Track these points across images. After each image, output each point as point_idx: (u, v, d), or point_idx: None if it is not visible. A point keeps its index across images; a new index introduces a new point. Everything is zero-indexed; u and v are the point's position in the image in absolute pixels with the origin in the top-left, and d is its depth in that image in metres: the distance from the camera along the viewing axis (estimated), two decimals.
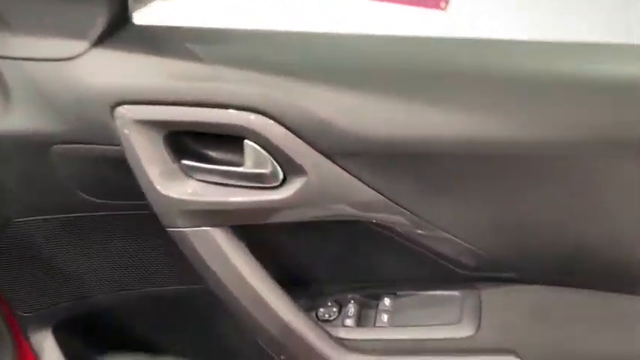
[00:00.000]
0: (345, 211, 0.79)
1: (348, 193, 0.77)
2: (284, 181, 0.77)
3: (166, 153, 0.79)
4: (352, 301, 0.93)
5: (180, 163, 0.80)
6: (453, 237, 0.81)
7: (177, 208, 0.80)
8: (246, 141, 0.75)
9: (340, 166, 0.75)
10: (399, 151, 0.74)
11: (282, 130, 0.73)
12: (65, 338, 1.08)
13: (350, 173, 0.76)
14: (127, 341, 1.21)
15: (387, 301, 0.91)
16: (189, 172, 0.80)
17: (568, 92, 0.73)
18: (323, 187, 0.76)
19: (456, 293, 0.89)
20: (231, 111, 0.74)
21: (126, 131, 0.76)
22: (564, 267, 0.83)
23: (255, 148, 0.75)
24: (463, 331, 0.83)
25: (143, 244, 0.99)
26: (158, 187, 0.79)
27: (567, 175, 0.75)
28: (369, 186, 0.76)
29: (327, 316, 0.92)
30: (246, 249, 0.84)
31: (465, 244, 0.81)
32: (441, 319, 0.86)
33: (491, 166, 0.75)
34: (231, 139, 0.77)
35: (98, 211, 0.91)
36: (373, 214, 0.79)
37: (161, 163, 0.79)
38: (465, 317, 0.85)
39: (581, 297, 0.83)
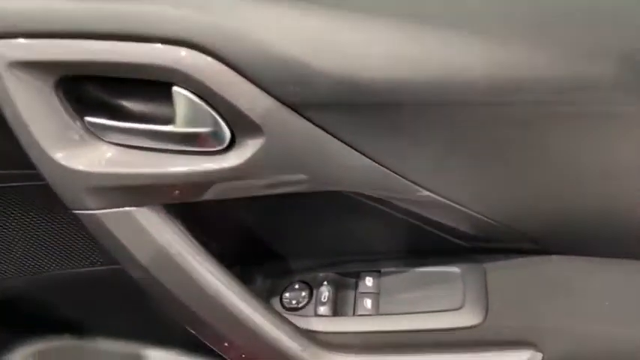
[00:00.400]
0: (318, 181, 0.58)
1: (322, 158, 0.56)
2: (232, 143, 0.55)
3: (62, 107, 0.56)
4: (325, 283, 0.74)
5: (83, 121, 0.57)
6: (451, 202, 0.62)
7: (85, 184, 0.58)
8: (175, 88, 0.53)
9: (311, 122, 0.54)
10: (390, 99, 0.53)
11: (227, 71, 0.51)
12: None
13: (325, 130, 0.54)
14: (53, 324, 1.05)
15: (368, 281, 0.73)
16: (97, 133, 0.57)
17: (587, 19, 0.53)
18: (287, 151, 0.55)
19: (455, 269, 0.71)
20: (152, 45, 0.52)
21: None
22: (585, 232, 0.66)
23: (188, 99, 0.53)
24: (467, 318, 0.66)
25: (51, 221, 0.77)
26: (54, 156, 0.56)
27: (587, 127, 0.56)
28: (350, 146, 0.56)
29: (294, 302, 0.74)
30: (182, 228, 0.63)
31: (465, 210, 0.63)
32: (438, 304, 0.69)
33: (501, 115, 0.55)
34: (153, 86, 0.54)
35: None
36: (355, 184, 0.59)
37: (55, 122, 0.56)
38: (468, 300, 0.68)
39: (610, 267, 0.67)
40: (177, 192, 0.59)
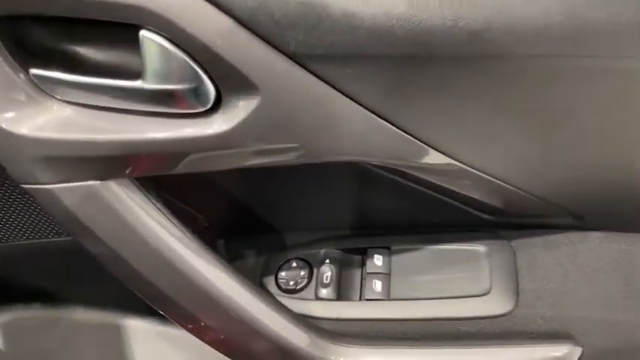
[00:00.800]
0: (325, 151, 0.47)
1: (331, 122, 0.45)
2: (217, 104, 0.44)
3: (0, 57, 0.43)
4: (327, 261, 0.64)
5: (28, 73, 0.45)
6: (482, 173, 0.51)
7: (34, 154, 0.46)
8: (142, 32, 0.41)
9: (319, 78, 0.42)
10: (422, 51, 0.41)
11: (211, 10, 0.39)
12: None
13: (336, 89, 0.43)
14: (20, 294, 0.95)
15: (377, 259, 0.63)
16: (47, 89, 0.45)
17: None
18: (288, 114, 0.44)
19: (479, 247, 0.61)
20: None
21: None
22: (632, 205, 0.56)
23: (160, 46, 0.41)
24: (495, 305, 0.57)
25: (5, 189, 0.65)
26: None
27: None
28: (366, 108, 0.44)
29: (291, 283, 0.64)
30: (157, 204, 0.52)
31: (499, 182, 0.52)
32: (460, 288, 0.59)
33: (549, 71, 0.44)
34: (117, 30, 0.42)
35: None
36: (370, 153, 0.48)
37: None
38: (496, 284, 0.58)
39: None
40: (148, 163, 0.47)
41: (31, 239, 0.73)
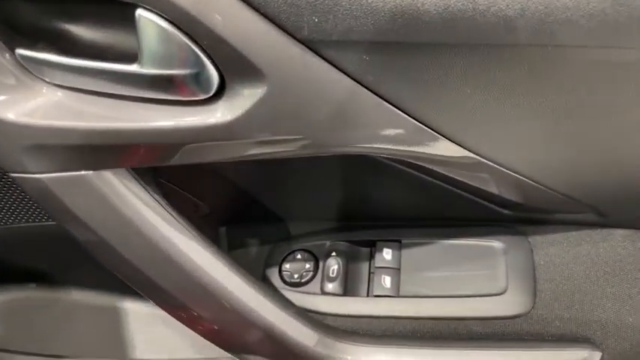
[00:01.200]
0: (336, 143, 0.43)
1: (345, 113, 0.41)
2: (220, 91, 0.40)
3: None
4: (334, 253, 0.61)
5: (14, 54, 0.41)
6: (502, 168, 0.48)
7: (22, 142, 0.43)
8: (139, 11, 0.37)
9: (333, 65, 0.38)
10: (448, 38, 0.37)
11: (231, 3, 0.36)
12: None
13: (350, 77, 0.39)
14: (17, 274, 0.93)
15: (387, 253, 0.60)
16: (35, 71, 0.42)
17: None
18: (297, 104, 0.40)
19: (496, 243, 0.58)
20: None
21: None
22: None
23: (159, 27, 0.37)
24: (511, 305, 0.54)
25: None
26: None
27: None
28: (383, 98, 0.41)
29: (296, 276, 0.61)
30: (155, 195, 0.48)
31: (519, 177, 0.49)
32: (474, 287, 0.56)
33: (574, 60, 0.40)
34: (111, 8, 0.38)
35: None
36: (386, 147, 0.45)
37: None
38: (512, 283, 0.55)
39: None
40: (144, 154, 0.44)
41: (27, 222, 0.70)
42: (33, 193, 0.47)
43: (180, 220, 0.50)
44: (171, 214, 0.49)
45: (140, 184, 0.47)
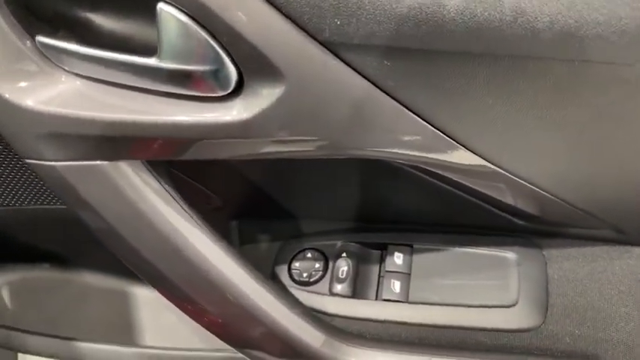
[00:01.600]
0: (352, 146, 0.43)
1: (362, 117, 0.41)
2: (238, 88, 0.40)
3: (6, 23, 0.40)
4: (344, 254, 0.60)
5: (34, 41, 0.41)
6: (521, 180, 0.47)
7: (39, 129, 0.43)
8: (160, 5, 0.36)
9: (352, 68, 0.38)
10: (472, 47, 0.36)
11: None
12: None
13: (370, 81, 0.38)
14: (31, 254, 0.94)
15: (397, 257, 0.59)
16: (55, 59, 0.41)
17: None
18: (314, 106, 0.40)
19: (509, 254, 0.57)
20: None
21: None
22: None
23: (179, 22, 0.37)
24: (522, 318, 0.53)
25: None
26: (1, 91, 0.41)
27: None
28: (402, 104, 0.40)
29: (305, 275, 0.60)
30: (167, 187, 0.48)
31: (537, 190, 0.48)
32: (485, 297, 0.55)
33: (606, 76, 0.39)
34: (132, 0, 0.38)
35: None
36: (402, 154, 0.44)
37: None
38: (524, 296, 0.54)
39: None
40: (159, 147, 0.44)
41: (42, 205, 0.71)
42: (47, 179, 0.47)
43: (192, 214, 0.50)
44: (183, 207, 0.49)
45: (154, 176, 0.47)
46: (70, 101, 0.42)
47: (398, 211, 0.61)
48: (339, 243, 0.61)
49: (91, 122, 0.42)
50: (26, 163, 0.46)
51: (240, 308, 0.52)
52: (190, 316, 0.57)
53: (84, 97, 0.42)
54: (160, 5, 0.37)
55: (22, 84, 0.42)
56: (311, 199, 0.64)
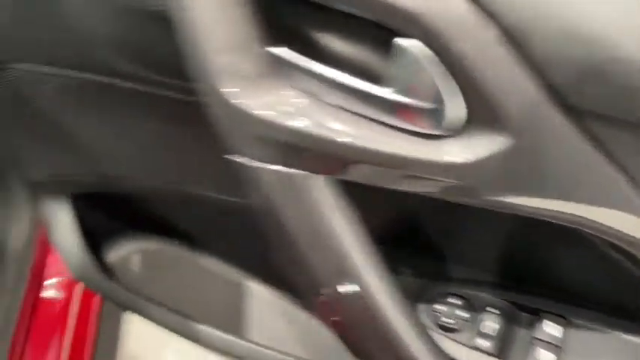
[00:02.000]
0: (561, 217, 0.41)
1: (589, 189, 0.39)
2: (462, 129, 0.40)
3: (246, 24, 0.42)
4: (494, 309, 0.58)
5: (266, 49, 0.43)
6: None
7: (251, 131, 0.45)
8: (399, 41, 0.37)
9: (591, 137, 0.37)
10: None
11: (494, 39, 0.35)
12: (81, 209, 0.91)
13: (606, 154, 0.37)
14: (164, 229, 0.97)
15: (551, 327, 0.56)
16: (281, 70, 0.43)
17: None
18: (535, 171, 0.38)
19: None
20: None
21: None
22: None
23: (420, 62, 0.37)
24: None
25: (188, 137, 0.65)
26: (222, 89, 0.43)
27: None
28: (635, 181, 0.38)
29: (449, 321, 0.59)
30: (349, 208, 0.48)
31: None
32: None
33: None
34: (367, 27, 0.38)
35: (129, 82, 0.58)
36: (613, 228, 0.42)
37: (237, 42, 0.42)
38: None
39: None
40: (363, 171, 0.44)
41: (199, 191, 0.74)
42: (243, 173, 0.48)
43: (369, 243, 0.50)
44: (362, 235, 0.49)
45: (338, 194, 0.48)
46: (288, 112, 0.44)
47: (558, 277, 0.58)
48: (488, 296, 0.60)
49: (305, 136, 0.43)
50: (228, 159, 0.48)
51: (388, 342, 0.51)
52: (332, 331, 0.57)
53: (301, 112, 0.43)
54: (399, 40, 0.37)
55: (247, 87, 0.44)
56: (466, 244, 0.62)
